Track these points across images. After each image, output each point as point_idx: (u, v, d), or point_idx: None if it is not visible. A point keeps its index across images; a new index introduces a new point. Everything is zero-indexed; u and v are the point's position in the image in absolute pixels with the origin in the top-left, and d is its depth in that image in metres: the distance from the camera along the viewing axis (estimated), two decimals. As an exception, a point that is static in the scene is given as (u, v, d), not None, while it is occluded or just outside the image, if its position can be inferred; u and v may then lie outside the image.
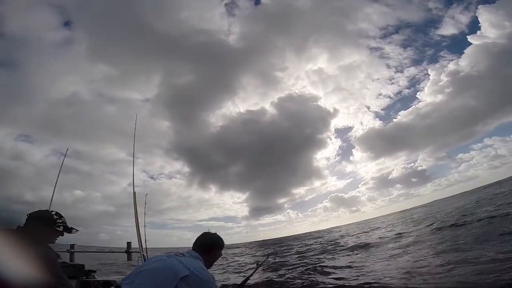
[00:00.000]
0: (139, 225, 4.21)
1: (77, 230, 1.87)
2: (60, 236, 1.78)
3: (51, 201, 3.95)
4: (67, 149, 5.04)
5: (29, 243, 1.47)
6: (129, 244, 3.81)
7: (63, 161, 4.66)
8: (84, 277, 3.38)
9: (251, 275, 2.95)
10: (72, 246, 3.72)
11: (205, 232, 1.84)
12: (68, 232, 1.82)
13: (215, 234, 1.83)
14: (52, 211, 1.81)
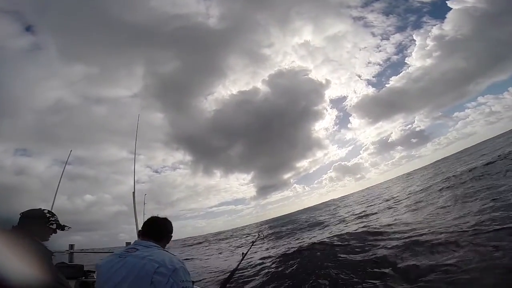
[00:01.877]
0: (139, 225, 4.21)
1: (69, 228, 1.91)
2: (53, 234, 1.81)
3: (52, 204, 3.94)
4: (70, 151, 5.05)
5: (24, 242, 1.50)
6: (128, 244, 3.80)
7: (65, 164, 4.67)
8: (83, 278, 3.37)
9: (236, 268, 2.80)
10: (71, 246, 3.72)
11: (152, 217, 1.65)
12: (61, 230, 1.84)
13: (164, 218, 1.66)
14: (44, 209, 1.83)
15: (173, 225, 1.69)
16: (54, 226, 1.79)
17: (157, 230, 1.59)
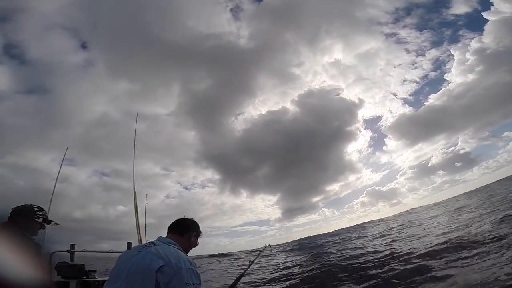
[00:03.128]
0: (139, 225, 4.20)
1: (57, 224, 1.95)
2: (41, 229, 1.85)
3: (49, 207, 3.95)
4: (67, 148, 5.05)
5: (11, 236, 1.54)
6: (129, 244, 3.79)
7: (61, 164, 4.69)
8: (84, 277, 3.36)
9: (242, 274, 2.83)
10: (72, 246, 3.71)
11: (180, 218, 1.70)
12: (47, 224, 1.89)
13: (191, 219, 1.70)
14: (34, 205, 1.87)
15: (198, 241, 1.71)
16: (40, 220, 1.83)
17: (180, 224, 1.62)
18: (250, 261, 3.33)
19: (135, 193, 4.62)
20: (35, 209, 1.84)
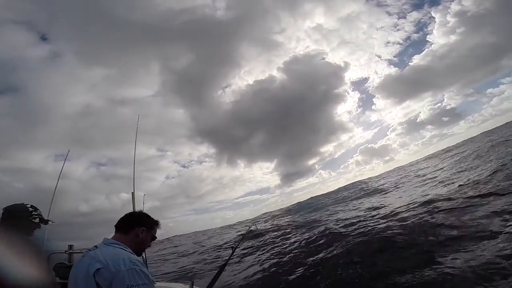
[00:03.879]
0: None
1: (53, 222, 1.95)
2: (37, 228, 1.82)
3: (51, 207, 3.92)
4: (68, 151, 5.02)
5: (8, 237, 1.51)
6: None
7: (63, 165, 4.67)
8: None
9: (226, 263, 2.68)
10: (70, 246, 3.70)
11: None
12: (44, 224, 1.85)
13: (138, 211, 1.51)
14: (27, 204, 1.84)
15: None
16: (37, 220, 1.80)
17: (123, 221, 1.43)
18: (232, 248, 3.06)
19: (133, 193, 4.61)
20: (30, 209, 1.79)
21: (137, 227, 1.42)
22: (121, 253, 1.24)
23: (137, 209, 4.62)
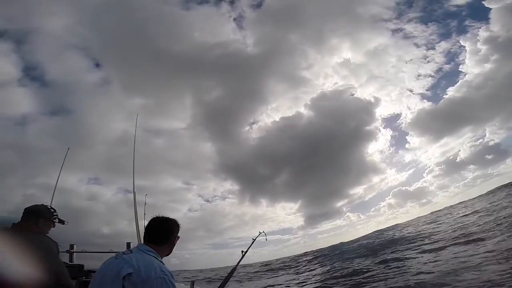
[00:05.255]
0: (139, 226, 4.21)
1: (67, 222, 2.10)
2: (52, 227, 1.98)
3: (51, 201, 3.95)
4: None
5: (28, 236, 1.64)
6: (128, 244, 3.80)
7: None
8: (84, 278, 3.37)
9: (235, 267, 2.77)
10: (71, 246, 3.73)
11: (154, 219, 1.49)
12: (62, 224, 2.05)
13: (169, 219, 1.52)
14: (47, 205, 2.01)
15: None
16: (57, 221, 1.99)
17: (161, 232, 1.45)
18: (242, 251, 3.17)
19: (134, 192, 4.63)
20: (51, 210, 1.98)
21: (173, 237, 1.50)
22: (154, 261, 1.29)
23: (138, 208, 4.64)
